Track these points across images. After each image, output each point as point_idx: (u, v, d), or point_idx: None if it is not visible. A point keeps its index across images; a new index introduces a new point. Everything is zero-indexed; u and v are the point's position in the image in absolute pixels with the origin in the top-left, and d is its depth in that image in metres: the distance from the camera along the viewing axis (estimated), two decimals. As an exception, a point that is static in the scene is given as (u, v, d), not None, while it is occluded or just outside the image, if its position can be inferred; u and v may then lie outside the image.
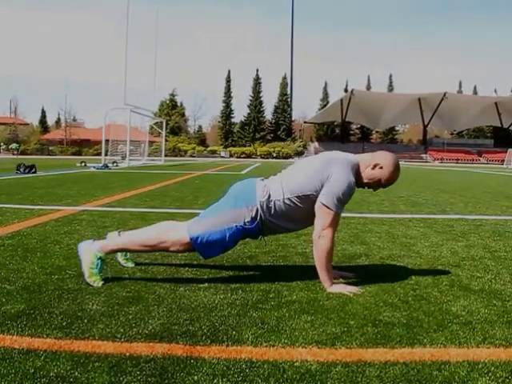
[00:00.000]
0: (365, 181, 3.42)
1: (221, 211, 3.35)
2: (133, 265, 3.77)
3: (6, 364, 2.07)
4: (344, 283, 3.38)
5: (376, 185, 3.46)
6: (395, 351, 2.30)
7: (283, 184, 3.34)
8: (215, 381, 1.96)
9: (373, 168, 3.41)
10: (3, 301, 2.89)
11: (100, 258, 3.32)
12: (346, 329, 2.57)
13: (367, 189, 3.51)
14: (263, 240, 3.66)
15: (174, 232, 3.36)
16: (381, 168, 3.40)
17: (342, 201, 3.27)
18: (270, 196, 3.30)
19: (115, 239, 3.49)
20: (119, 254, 3.77)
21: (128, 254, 3.80)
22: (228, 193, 3.50)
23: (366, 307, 2.92)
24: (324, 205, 3.24)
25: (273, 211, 3.30)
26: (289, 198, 3.29)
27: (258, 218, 3.29)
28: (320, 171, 3.29)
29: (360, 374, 2.05)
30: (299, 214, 3.35)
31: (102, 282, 3.27)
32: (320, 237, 3.27)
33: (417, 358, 2.22)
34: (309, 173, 3.33)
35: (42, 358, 2.13)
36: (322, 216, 3.27)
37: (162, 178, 16.16)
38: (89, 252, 3.34)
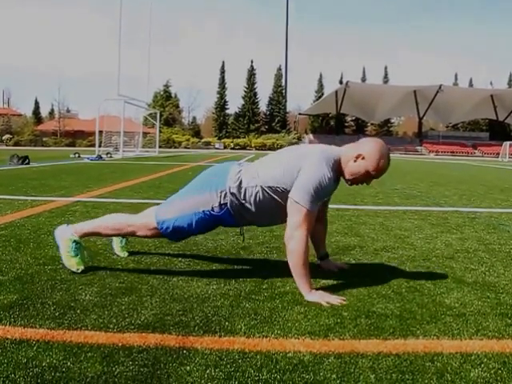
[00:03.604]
0: (350, 177, 3.12)
1: (189, 195, 3.22)
2: (126, 255, 3.76)
3: (-3, 354, 2.07)
4: (326, 291, 3.00)
5: (365, 178, 3.13)
6: (388, 343, 2.30)
7: (259, 172, 3.10)
8: (208, 371, 1.96)
9: (355, 160, 3.08)
10: (-5, 291, 2.88)
11: (75, 242, 3.32)
12: (339, 320, 2.57)
13: (360, 185, 3.21)
14: (243, 233, 3.55)
15: (141, 216, 3.35)
16: (363, 159, 3.07)
17: (314, 197, 2.94)
18: (241, 182, 3.08)
19: (90, 222, 3.44)
20: (115, 242, 3.78)
21: (124, 242, 3.80)
22: (199, 176, 3.36)
23: (359, 299, 2.92)
24: (295, 201, 2.96)
25: (243, 198, 3.08)
26: (262, 187, 3.05)
27: (228, 203, 3.09)
28: (293, 164, 3.03)
29: (353, 365, 2.06)
30: (271, 205, 3.08)
31: (82, 267, 3.30)
32: (291, 238, 2.97)
33: (410, 350, 2.22)
34: (283, 166, 3.06)
35: (35, 348, 2.13)
36: (293, 213, 2.97)
37: (156, 169, 16.13)
38: (64, 237, 3.34)
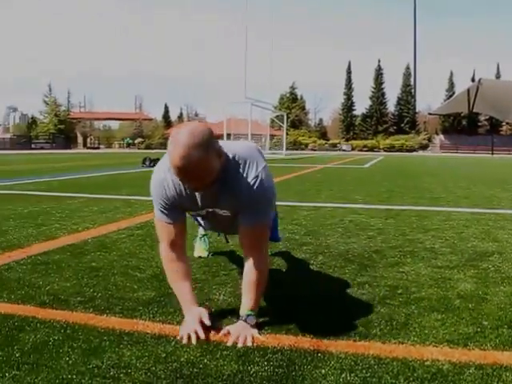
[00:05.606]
0: None
1: None
2: None
3: (140, 347, 2.16)
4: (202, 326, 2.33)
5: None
6: (535, 355, 2.16)
7: None
8: (343, 375, 1.93)
9: None
10: (135, 287, 3.02)
11: (201, 234, 3.83)
12: (479, 329, 2.44)
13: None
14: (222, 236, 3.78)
15: None
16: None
17: (156, 203, 2.51)
18: None
19: None
20: None
21: None
22: None
23: (500, 307, 2.76)
24: None
25: None
26: None
27: None
28: None
29: (496, 378, 1.94)
30: None
31: (206, 253, 3.83)
32: None
33: (560, 364, 2.07)
34: None
35: (173, 343, 2.21)
36: None
37: (284, 171, 16.26)
38: (199, 233, 3.85)
